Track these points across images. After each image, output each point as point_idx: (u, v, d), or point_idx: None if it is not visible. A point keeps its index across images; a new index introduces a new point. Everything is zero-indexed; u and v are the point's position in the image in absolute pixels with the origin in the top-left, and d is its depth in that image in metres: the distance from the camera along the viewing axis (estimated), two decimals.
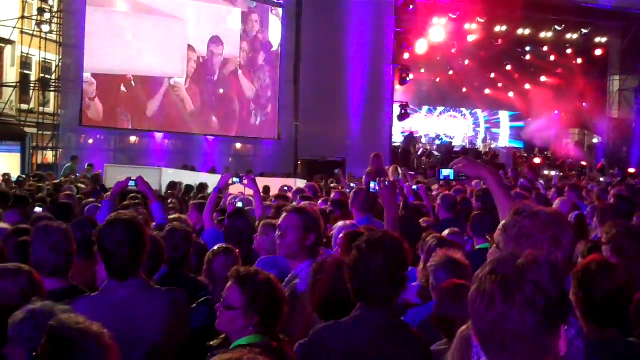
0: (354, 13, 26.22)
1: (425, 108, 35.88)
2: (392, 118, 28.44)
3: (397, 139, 31.12)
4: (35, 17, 25.36)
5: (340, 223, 5.95)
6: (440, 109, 36.61)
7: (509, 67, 35.14)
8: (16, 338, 3.02)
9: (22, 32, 26.18)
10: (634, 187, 12.83)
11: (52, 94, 27.00)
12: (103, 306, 3.53)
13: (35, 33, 25.54)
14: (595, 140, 34.99)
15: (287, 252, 4.40)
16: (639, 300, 3.72)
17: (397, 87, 28.85)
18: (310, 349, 3.32)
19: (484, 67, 33.76)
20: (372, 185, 5.92)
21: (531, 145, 34.57)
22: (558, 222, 2.64)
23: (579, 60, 33.89)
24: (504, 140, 37.49)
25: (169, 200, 10.28)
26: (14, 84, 26.46)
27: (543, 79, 35.33)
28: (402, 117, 28.80)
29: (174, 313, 3.74)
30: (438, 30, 28.26)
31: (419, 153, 30.07)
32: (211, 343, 3.55)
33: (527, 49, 34.13)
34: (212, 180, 12.88)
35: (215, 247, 4.87)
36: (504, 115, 37.83)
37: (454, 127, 36.83)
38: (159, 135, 25.73)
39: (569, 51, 33.70)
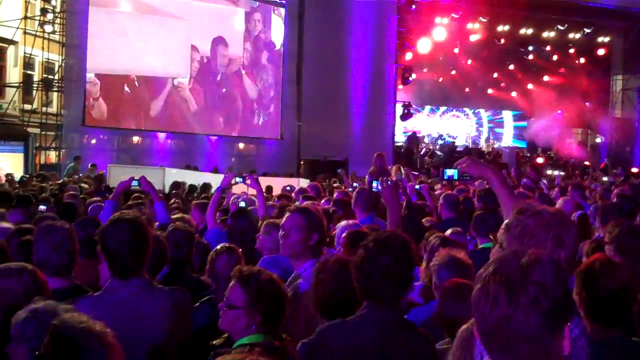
0: (357, 13, 26.21)
1: (427, 108, 35.87)
2: (394, 118, 28.42)
3: (399, 139, 31.11)
4: (38, 18, 25.39)
5: (343, 222, 5.94)
6: (442, 108, 36.59)
7: (511, 67, 35.12)
8: (19, 337, 3.02)
9: (24, 33, 26.22)
10: (637, 187, 12.80)
11: (55, 94, 27.02)
12: (106, 305, 3.53)
13: (38, 33, 25.56)
14: (598, 140, 34.99)
15: (290, 251, 4.40)
16: None
17: (400, 87, 28.84)
18: (316, 347, 3.32)
19: (487, 67, 33.75)
20: (374, 184, 5.92)
21: (534, 145, 34.54)
22: (561, 222, 2.64)
23: (582, 60, 33.88)
24: (508, 140, 37.46)
25: (173, 200, 10.28)
26: (17, 84, 26.50)
27: (546, 78, 35.31)
28: (405, 116, 28.79)
29: (176, 312, 3.74)
30: (440, 29, 28.25)
31: (421, 153, 30.05)
32: (214, 342, 3.55)
33: (530, 48, 34.10)
34: (215, 180, 12.87)
35: (218, 247, 4.87)
36: (507, 115, 37.80)
37: (456, 126, 36.82)
38: (161, 135, 25.75)
39: (571, 51, 33.67)
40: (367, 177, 12.60)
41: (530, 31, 31.70)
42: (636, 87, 32.61)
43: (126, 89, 24.55)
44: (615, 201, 8.78)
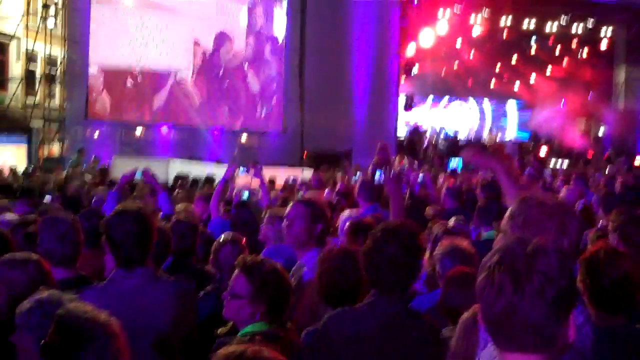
0: (359, 5, 26.16)
1: (430, 97, 35.72)
2: (397, 109, 28.38)
3: (402, 131, 31.02)
4: (40, 13, 25.40)
5: (346, 212, 5.96)
6: (445, 100, 36.46)
7: (514, 59, 35.01)
8: (24, 327, 3.04)
9: (27, 28, 26.23)
10: None
11: (57, 88, 27.07)
12: (111, 296, 3.54)
13: (40, 28, 25.58)
14: (601, 130, 34.91)
15: (295, 241, 4.41)
16: None
17: (402, 78, 28.77)
18: (323, 334, 3.34)
19: (490, 60, 33.65)
20: (377, 175, 5.93)
21: (537, 136, 34.48)
22: (564, 211, 2.64)
23: (585, 52, 33.77)
24: (512, 131, 37.34)
25: (176, 192, 10.30)
26: (20, 78, 26.53)
27: (549, 70, 35.21)
28: (408, 107, 28.76)
29: (181, 302, 3.76)
30: (443, 22, 28.19)
31: (424, 144, 30.01)
32: (218, 331, 3.57)
33: (533, 40, 33.99)
34: (218, 172, 12.88)
35: (222, 237, 4.89)
36: (511, 106, 37.66)
37: (459, 118, 36.73)
38: (164, 129, 25.77)
39: (574, 42, 33.57)
40: (370, 167, 12.59)
41: (533, 23, 31.61)
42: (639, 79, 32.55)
43: (129, 82, 24.57)
44: (619, 190, 8.78)
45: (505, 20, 30.77)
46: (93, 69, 24.03)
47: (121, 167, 14.16)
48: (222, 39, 25.45)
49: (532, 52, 34.20)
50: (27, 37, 26.30)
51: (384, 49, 26.84)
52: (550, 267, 1.81)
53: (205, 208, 7.62)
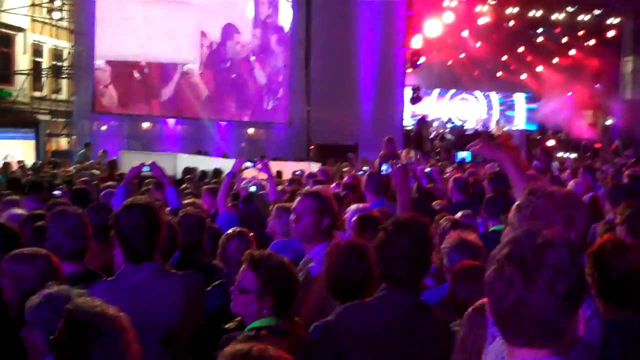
0: None
1: (436, 91, 35.64)
2: (403, 101, 28.33)
3: (408, 123, 30.97)
4: (46, 5, 25.43)
5: (354, 206, 5.95)
6: (452, 91, 36.39)
7: (521, 49, 34.90)
8: (33, 322, 3.06)
9: (33, 20, 26.27)
10: None
11: (64, 81, 27.11)
12: (119, 290, 3.56)
13: (46, 20, 25.62)
14: (609, 122, 34.78)
15: (302, 235, 4.42)
16: None
17: (409, 70, 28.70)
18: (334, 328, 3.35)
19: (496, 50, 33.54)
20: (383, 167, 5.93)
21: (545, 128, 34.38)
22: (572, 202, 2.64)
23: (592, 42, 33.63)
24: (520, 122, 37.21)
25: (185, 185, 10.31)
26: (27, 72, 26.58)
27: (555, 60, 35.09)
28: (415, 100, 28.69)
29: (189, 296, 3.77)
30: (449, 12, 28.11)
31: (431, 136, 29.96)
32: (227, 326, 3.58)
33: (539, 30, 33.87)
34: (225, 165, 12.89)
35: (230, 231, 4.89)
36: (519, 98, 37.54)
37: (466, 110, 36.64)
38: (171, 121, 25.80)
39: (581, 32, 33.44)
40: (377, 160, 12.59)
41: (539, 13, 31.49)
42: None
43: (136, 75, 24.59)
44: (627, 182, 8.75)
45: (512, 10, 30.64)
46: (100, 62, 24.05)
47: (129, 161, 14.19)
48: (229, 30, 25.43)
49: (539, 41, 34.09)
50: (33, 30, 26.35)
51: (389, 40, 26.76)
52: (560, 261, 1.80)
53: (213, 202, 7.63)
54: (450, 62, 34.11)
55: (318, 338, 3.43)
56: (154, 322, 3.54)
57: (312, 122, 26.00)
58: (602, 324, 2.58)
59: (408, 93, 28.47)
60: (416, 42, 27.95)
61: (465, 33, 31.85)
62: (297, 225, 4.40)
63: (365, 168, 11.29)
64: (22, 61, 26.88)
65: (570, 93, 34.02)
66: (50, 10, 25.35)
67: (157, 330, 3.56)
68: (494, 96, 37.23)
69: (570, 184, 8.87)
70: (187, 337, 3.78)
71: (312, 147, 25.32)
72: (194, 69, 25.21)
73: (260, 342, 2.27)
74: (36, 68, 27.37)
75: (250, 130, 27.41)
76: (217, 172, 13.37)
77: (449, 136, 29.99)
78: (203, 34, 25.08)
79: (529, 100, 37.15)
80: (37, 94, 27.12)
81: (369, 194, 7.41)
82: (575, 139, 31.77)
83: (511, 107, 37.57)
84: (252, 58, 26.13)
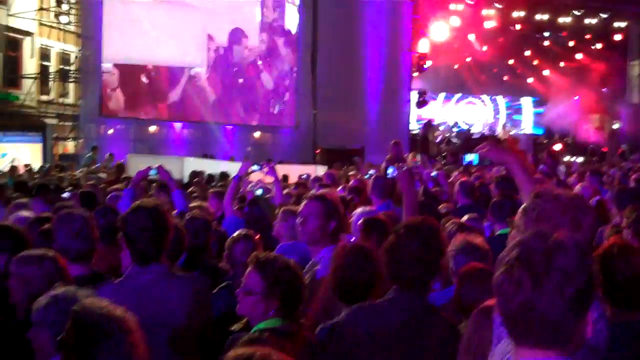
0: (370, 0, 26.13)
1: (442, 95, 35.61)
2: (410, 105, 28.33)
3: (414, 127, 30.97)
4: (53, 9, 25.53)
5: (360, 209, 5.95)
6: (457, 95, 36.35)
7: (527, 53, 34.87)
8: (41, 323, 3.08)
9: (40, 24, 26.38)
10: None
11: (71, 85, 27.21)
12: (127, 291, 3.57)
13: (53, 24, 25.72)
14: (615, 126, 34.70)
15: (309, 239, 4.43)
16: None
17: (415, 74, 28.70)
18: (343, 329, 3.36)
19: (503, 54, 33.52)
20: (389, 170, 5.93)
21: (551, 132, 34.33)
22: (578, 205, 2.64)
23: (599, 46, 33.58)
24: (527, 126, 37.12)
25: (192, 189, 10.33)
26: (34, 76, 26.68)
27: (562, 64, 35.04)
28: (421, 104, 28.69)
29: (196, 298, 3.78)
30: (455, 16, 28.12)
31: (437, 140, 29.95)
32: (233, 327, 3.59)
33: (546, 34, 33.83)
34: (232, 169, 12.92)
35: (236, 234, 4.91)
36: (526, 102, 37.46)
37: (472, 113, 36.60)
38: (178, 125, 25.85)
39: (588, 36, 33.39)
40: (383, 164, 12.60)
41: (546, 17, 31.46)
42: None
43: (143, 78, 24.66)
44: (633, 186, 8.74)
45: (518, 13, 30.61)
46: (108, 65, 24.12)
47: (136, 164, 14.22)
48: (236, 35, 25.48)
49: (546, 45, 34.04)
50: (40, 34, 26.45)
51: (396, 44, 26.78)
52: (569, 264, 1.81)
53: (219, 205, 7.65)
54: (456, 66, 34.10)
55: (324, 339, 3.43)
56: (160, 323, 3.55)
57: (318, 126, 26.02)
58: (609, 326, 2.58)
59: (414, 97, 28.47)
60: (422, 46, 27.96)
61: (471, 37, 31.84)
62: (303, 228, 4.41)
63: (371, 172, 11.29)
64: (30, 65, 27.00)
65: (576, 97, 33.97)
66: (57, 15, 25.46)
67: (163, 332, 3.57)
68: (501, 100, 37.17)
69: (577, 188, 8.86)
70: (193, 339, 3.79)
71: (319, 150, 25.33)
72: (201, 72, 25.27)
73: (264, 345, 2.28)
74: (43, 72, 27.48)
75: (257, 134, 27.46)
76: (224, 175, 13.40)
77: (455, 140, 29.98)
78: (210, 38, 25.14)
79: (537, 104, 37.06)
80: (44, 97, 27.23)
81: (375, 198, 7.41)
82: (582, 143, 31.70)
83: (518, 111, 37.50)
84: (259, 62, 26.17)
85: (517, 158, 3.51)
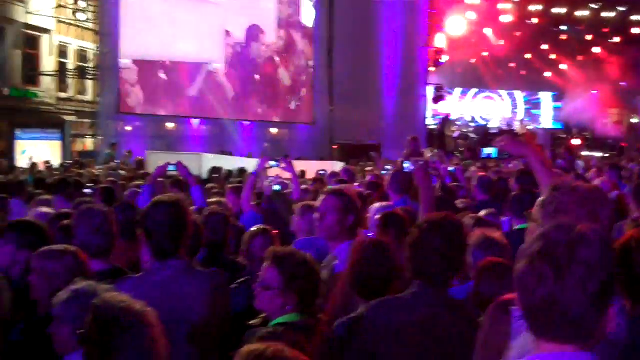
0: None
1: (458, 90, 35.46)
2: (426, 101, 28.26)
3: (430, 122, 30.89)
4: (71, 6, 25.67)
5: (377, 205, 5.96)
6: (474, 90, 36.19)
7: (545, 47, 34.66)
8: (61, 317, 3.10)
9: (58, 21, 26.53)
10: None
11: (89, 82, 27.36)
12: (146, 286, 3.58)
13: (71, 22, 25.87)
14: (634, 120, 34.44)
15: (327, 234, 4.43)
16: None
17: (431, 69, 28.62)
18: (366, 323, 3.36)
19: (520, 48, 33.35)
20: (405, 165, 5.93)
21: (569, 126, 34.13)
22: (596, 197, 2.62)
23: (617, 39, 33.32)
24: (547, 121, 36.88)
25: (211, 185, 10.36)
26: (52, 73, 26.84)
27: (580, 58, 34.81)
28: (437, 99, 28.61)
29: (215, 293, 3.79)
30: (472, 10, 28.00)
31: (454, 135, 29.87)
32: (251, 322, 3.60)
33: (563, 28, 33.61)
34: (250, 165, 12.94)
35: (253, 228, 4.92)
36: (545, 96, 37.22)
37: (489, 108, 36.44)
38: (195, 122, 25.92)
39: (605, 30, 33.13)
40: (400, 159, 12.57)
41: (563, 10, 31.26)
42: None
43: (161, 74, 24.75)
44: None
45: (536, 7, 30.43)
46: (127, 61, 24.23)
47: (155, 161, 14.29)
48: (253, 31, 25.51)
49: (563, 39, 33.82)
50: (59, 31, 26.61)
51: (412, 39, 26.71)
52: (592, 257, 1.78)
53: (237, 201, 7.66)
54: (473, 61, 33.97)
55: (342, 335, 3.44)
56: (180, 318, 3.57)
57: (335, 122, 26.02)
58: (628, 321, 2.56)
59: (430, 92, 28.39)
60: (439, 41, 27.88)
61: (488, 31, 31.69)
62: (321, 223, 4.42)
63: (388, 167, 11.27)
64: (48, 63, 27.17)
65: (594, 91, 33.74)
66: (75, 12, 25.60)
67: (183, 327, 3.59)
68: (519, 95, 36.96)
69: (596, 182, 8.80)
70: (212, 335, 3.80)
71: (336, 146, 25.33)
72: (219, 68, 25.31)
73: (278, 341, 2.29)
74: (62, 69, 27.65)
75: (274, 130, 27.50)
76: (242, 171, 13.44)
77: (472, 135, 29.88)
78: (227, 34, 25.17)
79: (556, 98, 36.81)
80: (62, 95, 27.40)
81: (392, 193, 7.39)
82: (601, 138, 31.50)
83: (537, 105, 37.28)
84: (277, 59, 26.19)
85: (536, 151, 3.49)
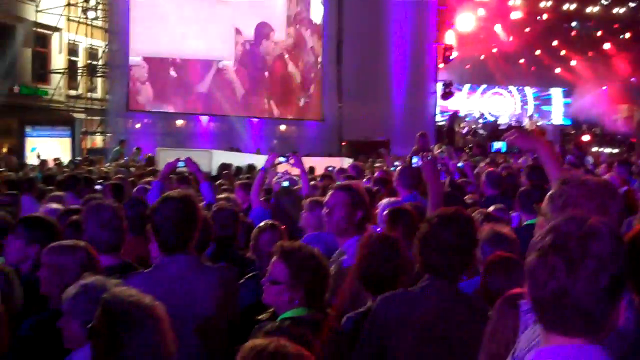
0: None
1: (467, 86, 35.33)
2: (436, 97, 28.21)
3: (439, 119, 30.81)
4: (81, 4, 25.74)
5: (385, 200, 5.96)
6: (483, 86, 36.06)
7: (554, 43, 34.53)
8: (70, 312, 3.12)
9: (68, 19, 26.61)
10: None
11: (99, 80, 27.44)
12: (156, 281, 3.59)
13: (81, 20, 25.94)
14: None
15: (335, 229, 4.44)
16: None
17: (440, 65, 28.56)
18: (376, 316, 3.36)
19: (529, 44, 33.24)
20: (414, 160, 5.91)
21: (579, 122, 34.02)
22: (606, 191, 2.61)
23: (627, 35, 33.17)
24: (557, 117, 36.74)
25: (221, 181, 10.38)
26: (62, 71, 26.93)
27: (590, 54, 34.67)
28: (446, 95, 28.56)
29: (224, 288, 3.80)
30: (481, 7, 27.94)
31: (463, 132, 29.81)
32: (259, 317, 3.60)
33: (573, 24, 33.48)
34: (259, 161, 12.96)
35: (262, 224, 4.92)
36: (556, 92, 37.07)
37: (498, 105, 36.31)
38: (204, 119, 25.95)
39: (616, 25, 32.98)
40: (409, 156, 12.55)
41: (573, 6, 31.14)
42: None
43: (172, 72, 24.79)
44: None
45: (546, 3, 30.32)
46: (137, 59, 24.29)
47: (165, 158, 14.33)
48: (263, 29, 25.50)
49: (573, 35, 33.70)
50: (68, 29, 26.69)
51: (422, 35, 26.68)
52: (605, 250, 1.78)
53: (245, 197, 7.68)
54: (482, 57, 33.87)
55: (350, 329, 3.44)
56: (188, 313, 3.58)
57: (344, 119, 26.01)
58: (636, 314, 2.55)
59: (439, 89, 28.35)
60: (449, 37, 27.83)
61: (497, 27, 31.60)
62: (329, 218, 4.42)
63: (397, 163, 11.26)
64: (58, 60, 27.25)
65: (604, 87, 33.61)
66: (85, 10, 25.65)
67: (192, 321, 3.60)
68: (529, 91, 36.82)
69: (605, 177, 8.77)
70: (221, 329, 3.81)
71: (344, 143, 25.32)
72: (229, 65, 25.33)
73: (283, 335, 2.30)
74: (72, 67, 27.74)
75: (283, 127, 27.50)
76: (251, 167, 13.47)
77: (481, 131, 29.82)
78: (237, 31, 25.17)
79: (566, 94, 36.67)
80: (72, 92, 27.49)
81: (401, 188, 7.38)
82: (611, 134, 31.38)
83: (547, 101, 37.13)
84: (286, 56, 26.19)
85: (545, 144, 3.48)
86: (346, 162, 15.07)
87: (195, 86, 25.30)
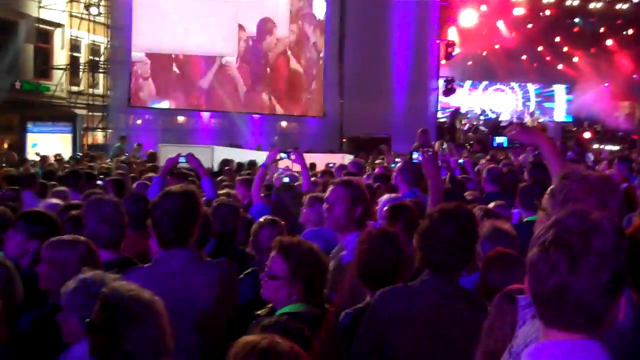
0: None
1: (468, 83, 35.24)
2: (437, 94, 28.18)
3: (440, 115, 30.78)
4: (83, 0, 25.74)
5: (385, 196, 5.95)
6: (484, 83, 35.98)
7: (557, 39, 34.48)
8: (69, 306, 3.12)
9: (71, 15, 26.61)
10: None
11: (101, 76, 27.44)
12: (155, 276, 3.59)
13: (83, 16, 25.94)
14: None
15: (335, 224, 4.44)
16: None
17: (442, 62, 28.53)
18: (375, 311, 3.36)
19: (532, 40, 33.19)
20: (414, 155, 5.91)
21: (580, 119, 33.97)
22: (606, 186, 2.61)
23: (630, 31, 33.11)
24: (560, 114, 36.66)
25: (222, 177, 10.38)
26: (64, 67, 26.93)
27: (592, 50, 34.61)
28: (448, 92, 28.53)
29: (223, 283, 3.80)
30: (484, 3, 27.91)
31: (464, 128, 29.79)
32: (258, 312, 3.61)
33: (576, 20, 33.43)
34: (260, 157, 12.97)
35: (261, 219, 4.92)
36: (559, 89, 36.98)
37: (500, 101, 36.23)
38: (205, 115, 25.95)
39: (618, 22, 32.93)
40: (410, 152, 12.53)
41: (576, 2, 31.09)
42: None
43: (174, 68, 24.79)
44: None
45: (548, 0, 30.30)
46: (140, 54, 24.28)
47: (167, 154, 14.33)
48: (266, 25, 25.47)
49: (575, 31, 33.64)
50: (71, 25, 26.68)
51: (423, 32, 26.66)
52: (607, 247, 1.77)
53: (246, 193, 7.67)
54: (484, 53, 33.81)
55: (349, 325, 3.44)
56: (188, 308, 3.58)
57: (345, 115, 25.98)
58: (636, 311, 2.55)
59: (441, 85, 28.32)
60: (451, 34, 27.80)
61: (500, 23, 31.55)
62: (329, 214, 4.42)
63: (397, 160, 11.26)
64: (60, 56, 27.25)
65: (606, 84, 33.56)
66: (87, 6, 25.63)
67: (191, 316, 3.60)
68: (531, 87, 36.74)
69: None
70: (220, 325, 3.81)
71: (345, 139, 25.31)
72: (232, 61, 25.31)
73: (280, 331, 2.30)
74: (74, 63, 27.74)
75: (284, 124, 27.48)
76: (252, 163, 13.48)
77: (482, 128, 29.79)
78: (240, 27, 25.15)
79: (569, 91, 36.58)
80: (74, 88, 27.50)
81: (402, 184, 7.37)
82: (612, 131, 31.35)
83: (549, 98, 37.03)
84: (289, 52, 26.17)
85: (547, 139, 3.48)
86: (347, 159, 15.07)
87: (197, 82, 25.30)
